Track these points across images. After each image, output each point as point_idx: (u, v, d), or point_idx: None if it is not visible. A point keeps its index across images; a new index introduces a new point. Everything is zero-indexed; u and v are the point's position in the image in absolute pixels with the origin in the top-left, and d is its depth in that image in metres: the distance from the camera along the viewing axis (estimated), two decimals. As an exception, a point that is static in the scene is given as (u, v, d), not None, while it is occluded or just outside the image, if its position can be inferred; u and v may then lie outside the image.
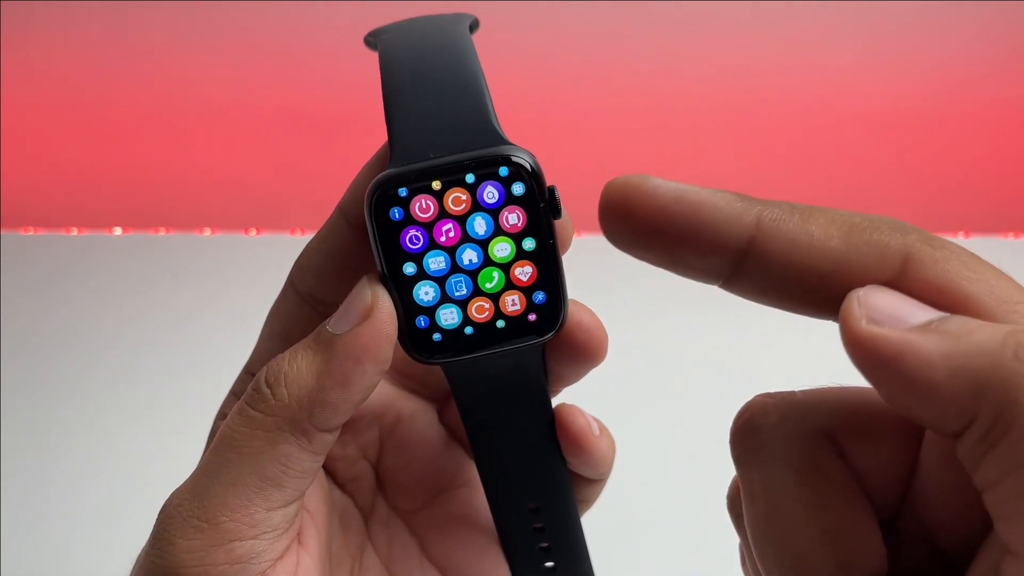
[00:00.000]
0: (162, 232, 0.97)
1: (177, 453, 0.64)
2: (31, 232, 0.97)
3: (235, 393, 0.26)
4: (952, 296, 0.18)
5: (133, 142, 1.01)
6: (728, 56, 0.96)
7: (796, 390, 0.20)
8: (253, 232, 0.97)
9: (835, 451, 0.19)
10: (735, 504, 0.21)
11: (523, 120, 0.26)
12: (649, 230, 0.19)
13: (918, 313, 0.17)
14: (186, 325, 0.81)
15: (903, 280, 0.18)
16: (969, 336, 0.16)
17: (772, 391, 0.20)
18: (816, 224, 0.18)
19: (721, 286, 0.19)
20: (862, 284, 0.18)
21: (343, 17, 0.93)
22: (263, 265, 0.90)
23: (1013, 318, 0.17)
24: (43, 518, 0.61)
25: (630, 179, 0.19)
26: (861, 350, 0.17)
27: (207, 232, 0.97)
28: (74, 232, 0.97)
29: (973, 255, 0.18)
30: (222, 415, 0.26)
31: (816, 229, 0.18)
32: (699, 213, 0.18)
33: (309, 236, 0.88)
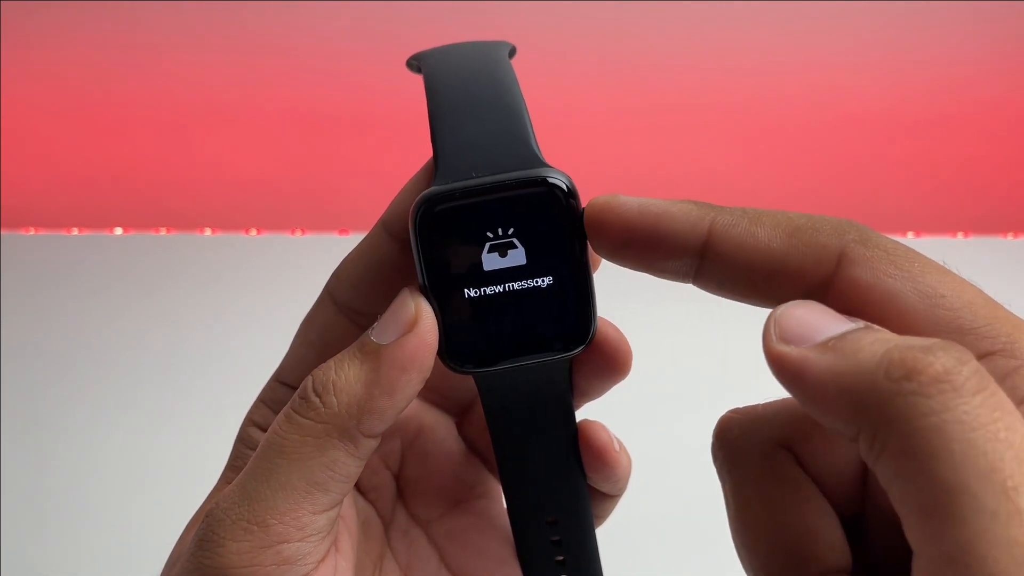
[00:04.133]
0: (162, 232, 0.97)
1: (177, 451, 0.64)
2: (31, 232, 0.97)
3: (264, 401, 0.26)
4: (877, 294, 0.19)
5: (134, 141, 1.01)
6: (729, 57, 0.96)
7: (759, 403, 0.22)
8: (253, 232, 0.97)
9: (792, 458, 0.21)
10: None
11: (541, 130, 0.27)
12: (620, 241, 0.21)
13: (827, 328, 0.18)
14: (186, 325, 0.81)
15: (836, 279, 0.19)
16: (854, 356, 0.17)
17: (740, 406, 0.22)
18: (762, 227, 0.20)
19: (692, 283, 0.22)
20: (802, 282, 0.20)
21: (346, 18, 0.93)
22: (263, 265, 0.90)
23: (936, 312, 0.19)
24: (43, 518, 0.61)
25: (601, 199, 0.22)
26: (772, 366, 0.19)
27: (207, 232, 0.97)
28: (74, 232, 0.97)
29: (908, 252, 0.19)
30: (251, 422, 0.26)
31: (761, 232, 0.20)
32: (659, 223, 0.21)
33: (310, 236, 0.87)
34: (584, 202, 0.23)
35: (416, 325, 0.22)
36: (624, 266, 0.22)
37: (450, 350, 0.23)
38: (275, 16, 0.94)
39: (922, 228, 0.97)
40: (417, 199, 0.22)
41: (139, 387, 0.74)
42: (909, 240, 0.95)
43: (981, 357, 0.18)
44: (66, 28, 0.95)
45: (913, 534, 0.16)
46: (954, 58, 0.96)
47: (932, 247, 0.97)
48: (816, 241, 0.20)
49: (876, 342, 0.17)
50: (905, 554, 0.19)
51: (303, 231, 0.96)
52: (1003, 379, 0.17)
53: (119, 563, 0.57)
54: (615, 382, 0.26)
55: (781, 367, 0.18)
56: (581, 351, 0.24)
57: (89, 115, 1.00)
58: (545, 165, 0.23)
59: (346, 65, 0.95)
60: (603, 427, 0.26)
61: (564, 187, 0.22)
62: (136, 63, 0.97)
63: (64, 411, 0.71)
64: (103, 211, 1.02)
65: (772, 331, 0.19)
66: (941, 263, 0.20)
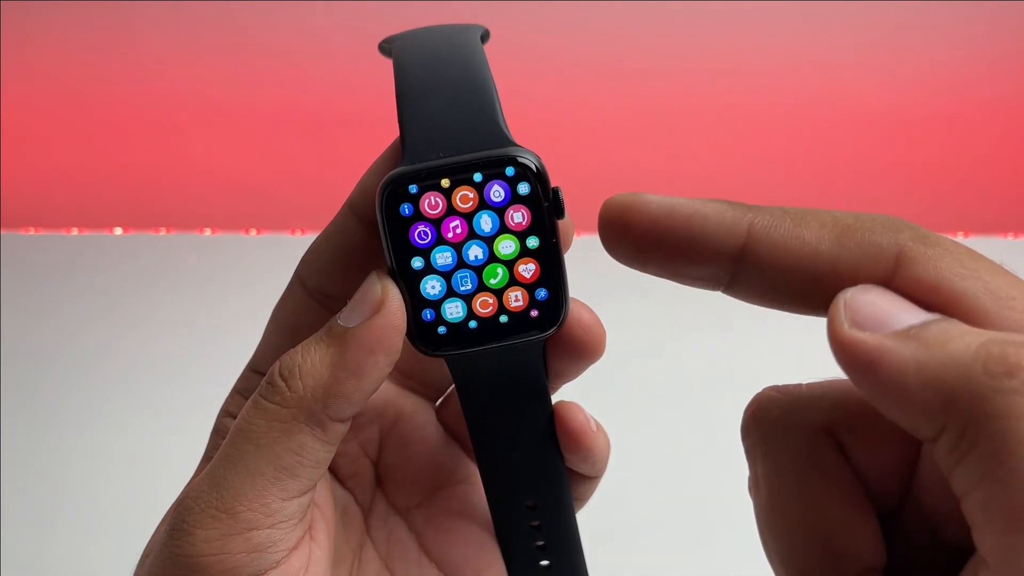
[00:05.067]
0: (162, 232, 0.97)
1: (177, 452, 0.64)
2: (31, 232, 0.98)
3: (239, 391, 0.26)
4: (944, 294, 0.17)
5: (133, 142, 1.02)
6: (729, 57, 0.96)
7: (803, 383, 0.20)
8: (253, 232, 0.97)
9: (835, 445, 0.20)
10: None
11: (526, 122, 0.27)
12: (645, 244, 0.19)
13: (903, 316, 0.17)
14: (186, 325, 0.81)
15: (896, 280, 0.18)
16: (944, 346, 0.16)
17: (780, 384, 0.21)
18: (807, 228, 0.19)
19: (723, 292, 0.20)
20: (855, 284, 0.18)
21: (343, 18, 0.93)
22: (263, 265, 0.90)
23: (1008, 314, 0.17)
24: (43, 518, 0.61)
25: (624, 197, 0.20)
26: (842, 353, 0.17)
27: (207, 232, 0.97)
28: (74, 232, 0.98)
29: (969, 251, 0.18)
30: (226, 413, 0.26)
31: (807, 233, 0.18)
32: (691, 225, 0.19)
33: (309, 236, 0.88)
34: (553, 182, 0.22)
35: (383, 307, 0.22)
36: (646, 272, 0.20)
37: (420, 333, 0.23)
38: (275, 17, 0.94)
39: (918, 225, 0.97)
40: (383, 180, 0.22)
41: (139, 387, 0.74)
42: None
43: None
44: (66, 28, 0.95)
45: (990, 542, 0.15)
46: (955, 58, 0.96)
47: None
48: (870, 241, 0.18)
49: (967, 333, 0.16)
50: (940, 558, 0.19)
51: (303, 231, 0.96)
52: None
53: (119, 562, 0.57)
54: (589, 363, 0.25)
55: (853, 355, 0.17)
56: (553, 332, 0.23)
57: (89, 115, 1.00)
58: (514, 144, 0.22)
59: (346, 65, 0.95)
60: (579, 408, 0.26)
61: (533, 167, 0.22)
62: (136, 64, 0.97)
63: (64, 411, 0.71)
64: (103, 211, 1.02)
65: (842, 315, 0.17)
66: (1000, 263, 0.18)
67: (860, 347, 0.17)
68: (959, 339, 0.16)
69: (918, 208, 1.01)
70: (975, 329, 0.16)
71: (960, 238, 0.95)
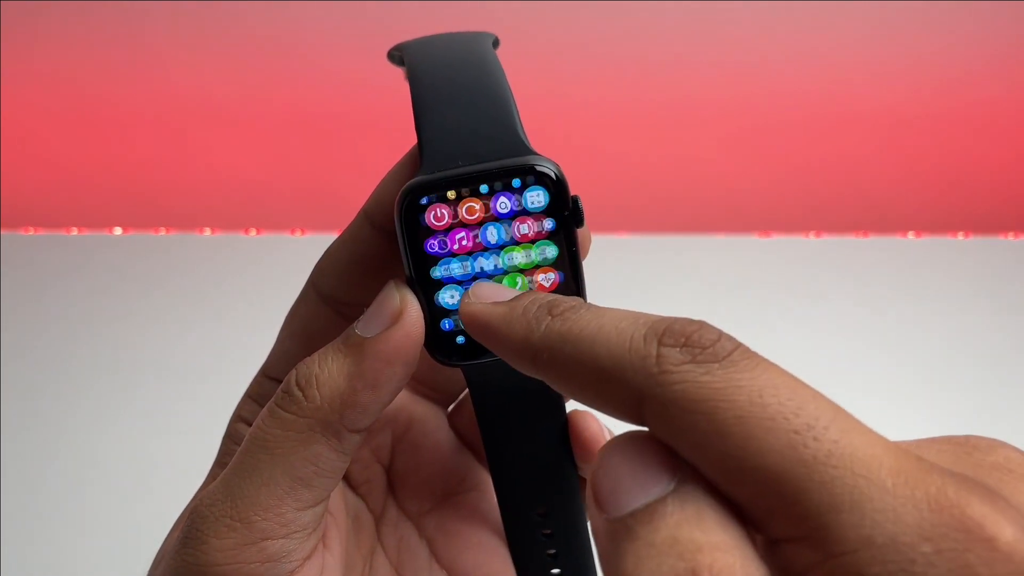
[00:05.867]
0: (162, 232, 0.97)
1: (177, 452, 0.64)
2: (31, 232, 0.97)
3: (252, 396, 0.26)
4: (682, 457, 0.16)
5: (133, 142, 1.01)
6: (731, 57, 0.96)
7: None
8: (253, 232, 0.97)
9: None
10: None
11: (532, 121, 0.27)
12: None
13: (635, 491, 0.15)
14: (186, 325, 0.81)
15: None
16: (633, 562, 0.14)
17: None
18: (573, 380, 0.18)
19: None
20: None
21: (345, 18, 0.93)
22: (263, 265, 0.90)
23: (734, 490, 0.15)
24: (43, 518, 0.61)
25: (462, 304, 0.21)
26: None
27: (207, 232, 0.97)
28: (74, 232, 0.97)
29: (715, 400, 0.15)
30: (239, 418, 0.26)
31: (574, 386, 0.18)
32: (495, 338, 0.20)
33: (310, 236, 0.87)
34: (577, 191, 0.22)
35: (401, 317, 0.22)
36: None
37: (438, 343, 0.23)
38: (275, 16, 0.94)
39: (922, 228, 0.97)
40: (402, 189, 0.22)
41: (139, 387, 0.74)
42: (909, 240, 0.95)
43: (780, 541, 0.15)
44: (66, 28, 0.95)
45: None
46: (954, 58, 0.96)
47: (932, 247, 0.96)
48: (618, 396, 0.17)
49: (668, 550, 0.14)
50: None
51: (303, 231, 0.96)
52: (801, 574, 0.15)
53: (119, 563, 0.57)
54: None
55: (595, 537, 0.16)
56: None
57: (89, 115, 1.00)
58: (533, 152, 0.22)
59: (346, 65, 0.95)
60: (593, 417, 0.26)
61: (553, 175, 0.22)
62: (136, 63, 0.97)
63: (64, 411, 0.71)
64: (103, 211, 1.02)
65: (589, 492, 0.16)
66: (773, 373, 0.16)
67: (596, 534, 0.16)
68: (647, 559, 0.14)
69: (918, 208, 1.01)
70: (683, 536, 0.15)
71: (960, 238, 0.95)
